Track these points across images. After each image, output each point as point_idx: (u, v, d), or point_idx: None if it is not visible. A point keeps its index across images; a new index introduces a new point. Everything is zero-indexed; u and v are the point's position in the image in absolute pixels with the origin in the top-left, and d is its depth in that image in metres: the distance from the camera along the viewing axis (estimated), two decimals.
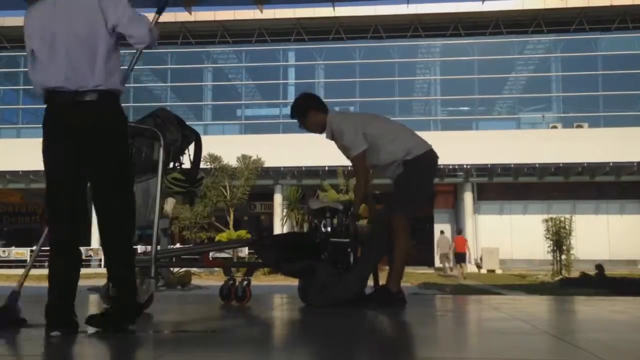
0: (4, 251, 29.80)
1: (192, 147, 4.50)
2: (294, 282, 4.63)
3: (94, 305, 5.21)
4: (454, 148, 25.12)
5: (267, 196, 32.13)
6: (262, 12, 9.84)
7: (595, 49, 34.96)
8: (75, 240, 3.25)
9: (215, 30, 36.00)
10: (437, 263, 25.70)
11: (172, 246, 17.39)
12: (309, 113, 4.55)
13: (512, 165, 29.90)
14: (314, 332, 3.36)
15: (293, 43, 36.43)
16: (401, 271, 4.34)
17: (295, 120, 4.63)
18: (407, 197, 4.40)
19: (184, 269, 12.55)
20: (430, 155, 4.46)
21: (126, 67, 3.39)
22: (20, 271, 5.72)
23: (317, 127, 4.58)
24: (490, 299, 6.66)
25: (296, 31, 35.69)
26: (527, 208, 31.20)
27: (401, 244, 4.27)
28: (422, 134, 4.67)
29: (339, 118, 4.56)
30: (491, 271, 26.05)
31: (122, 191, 3.14)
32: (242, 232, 22.34)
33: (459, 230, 26.97)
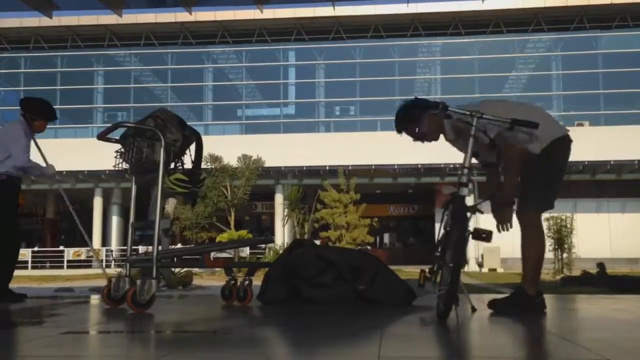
0: None
1: (193, 147, 4.50)
2: None
3: (94, 305, 5.21)
4: None
5: (268, 196, 32.14)
6: (262, 12, 9.85)
7: (595, 47, 34.95)
8: None
9: (216, 31, 36.00)
10: None
11: (173, 246, 17.38)
12: (424, 116, 4.01)
13: None
14: (315, 332, 3.35)
15: (293, 43, 36.43)
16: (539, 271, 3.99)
17: (400, 133, 4.11)
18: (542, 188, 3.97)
19: (185, 269, 12.53)
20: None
21: None
22: (21, 272, 5.72)
23: (435, 132, 4.06)
24: (492, 297, 6.63)
25: (296, 31, 35.68)
26: None
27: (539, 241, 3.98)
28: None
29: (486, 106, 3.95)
30: (492, 270, 26.04)
31: None
32: (243, 232, 22.33)
33: None
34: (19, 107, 5.76)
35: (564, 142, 4.02)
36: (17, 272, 5.63)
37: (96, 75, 38.61)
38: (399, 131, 4.14)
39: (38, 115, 5.67)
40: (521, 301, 3.94)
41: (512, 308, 3.94)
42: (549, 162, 3.94)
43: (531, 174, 3.93)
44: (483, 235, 3.54)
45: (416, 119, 4.03)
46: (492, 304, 4.05)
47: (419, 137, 4.11)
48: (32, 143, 5.61)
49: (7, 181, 5.43)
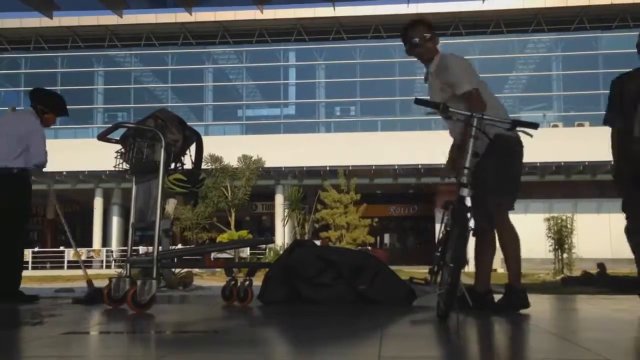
0: None
1: (193, 147, 4.50)
2: None
3: (95, 306, 5.21)
4: None
5: (268, 196, 32.14)
6: (262, 12, 9.85)
7: (595, 47, 34.95)
8: None
9: (216, 31, 36.01)
10: None
11: (173, 247, 17.39)
12: (434, 36, 4.34)
13: None
14: (315, 332, 3.35)
15: (293, 43, 36.42)
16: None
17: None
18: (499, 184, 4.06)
19: (185, 270, 12.53)
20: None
21: None
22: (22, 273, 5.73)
23: (428, 54, 4.34)
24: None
25: (296, 31, 35.68)
26: (529, 207, 31.14)
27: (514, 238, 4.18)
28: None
29: (457, 57, 4.32)
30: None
31: None
32: (244, 233, 22.32)
33: None
34: (30, 98, 5.39)
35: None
36: None
37: (96, 75, 38.63)
38: (403, 41, 4.48)
39: (50, 107, 5.35)
40: (519, 296, 4.09)
41: (513, 308, 4.05)
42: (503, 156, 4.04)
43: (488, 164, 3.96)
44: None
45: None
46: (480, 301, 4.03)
47: (413, 53, 4.40)
48: None
49: (23, 177, 5.14)
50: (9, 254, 5.21)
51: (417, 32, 4.38)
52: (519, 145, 4.20)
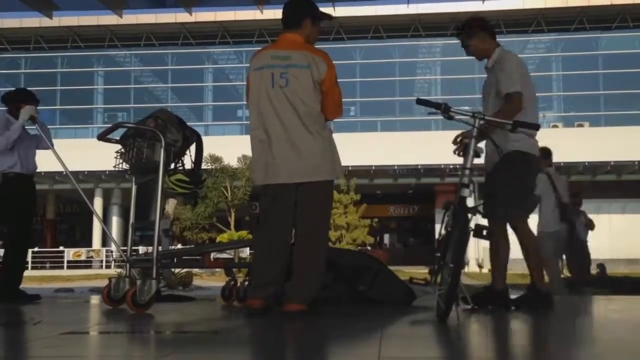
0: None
1: (193, 147, 4.50)
2: None
3: (94, 305, 5.21)
4: None
5: None
6: (262, 12, 9.83)
7: (595, 48, 34.96)
8: None
9: (216, 31, 36.01)
10: None
11: (173, 247, 17.40)
12: (479, 34, 4.32)
13: None
14: (315, 332, 3.36)
15: None
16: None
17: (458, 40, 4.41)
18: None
19: (185, 270, 12.54)
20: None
21: None
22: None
23: (480, 52, 4.35)
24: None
25: None
26: None
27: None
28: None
29: (516, 59, 4.28)
30: None
31: None
32: (243, 233, 22.34)
33: None
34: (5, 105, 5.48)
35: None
36: None
37: (96, 75, 38.63)
38: (457, 36, 4.44)
39: (19, 101, 5.38)
40: (539, 296, 4.23)
41: (538, 308, 4.17)
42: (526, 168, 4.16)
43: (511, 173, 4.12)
44: (484, 233, 3.55)
45: (474, 31, 4.33)
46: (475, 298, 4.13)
47: (466, 47, 4.37)
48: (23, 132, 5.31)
49: (8, 179, 5.26)
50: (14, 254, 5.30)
51: (469, 35, 4.37)
52: (534, 160, 4.27)
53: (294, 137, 3.69)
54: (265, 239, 3.81)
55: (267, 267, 3.77)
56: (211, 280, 15.66)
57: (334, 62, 3.86)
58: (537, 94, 4.46)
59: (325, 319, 3.74)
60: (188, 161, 4.45)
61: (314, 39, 3.97)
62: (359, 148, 29.08)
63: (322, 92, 3.78)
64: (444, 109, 3.68)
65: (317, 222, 3.75)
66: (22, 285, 5.41)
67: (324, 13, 4.05)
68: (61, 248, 30.88)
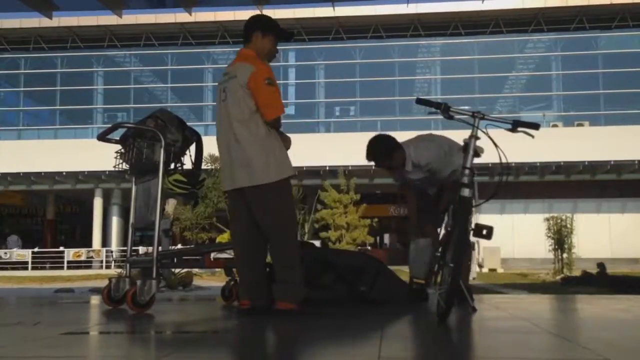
0: (5, 253, 29.78)
1: (193, 147, 4.50)
2: None
3: (94, 306, 5.21)
4: None
5: None
6: (262, 12, 9.84)
7: (595, 47, 34.95)
8: None
9: (216, 31, 36.00)
10: None
11: (173, 247, 17.41)
12: (395, 153, 4.67)
13: (513, 164, 29.87)
14: (315, 332, 3.35)
15: (293, 43, 36.40)
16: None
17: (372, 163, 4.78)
18: None
19: (185, 270, 12.54)
20: None
21: None
22: (21, 273, 5.73)
23: (401, 164, 4.71)
24: (492, 297, 6.65)
25: (296, 31, 35.67)
26: (529, 207, 31.19)
27: None
28: (422, 134, 4.64)
29: (420, 149, 4.67)
30: (493, 270, 26.03)
31: None
32: None
33: None
34: None
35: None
36: (17, 273, 5.62)
37: (96, 75, 38.60)
38: (374, 162, 4.77)
39: None
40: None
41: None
42: None
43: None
44: (484, 232, 3.55)
45: (390, 152, 4.68)
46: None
47: (388, 168, 4.79)
48: None
49: None
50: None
51: (381, 157, 4.76)
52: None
53: (230, 147, 3.89)
54: (235, 241, 4.04)
55: (243, 268, 3.98)
56: (211, 280, 15.65)
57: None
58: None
59: (325, 319, 3.74)
60: (188, 161, 4.45)
61: (269, 51, 4.22)
62: (359, 148, 28.99)
63: (252, 95, 3.87)
64: (444, 109, 3.68)
65: (269, 222, 3.86)
66: (23, 286, 5.41)
67: (275, 25, 4.34)
68: (61, 248, 30.88)
